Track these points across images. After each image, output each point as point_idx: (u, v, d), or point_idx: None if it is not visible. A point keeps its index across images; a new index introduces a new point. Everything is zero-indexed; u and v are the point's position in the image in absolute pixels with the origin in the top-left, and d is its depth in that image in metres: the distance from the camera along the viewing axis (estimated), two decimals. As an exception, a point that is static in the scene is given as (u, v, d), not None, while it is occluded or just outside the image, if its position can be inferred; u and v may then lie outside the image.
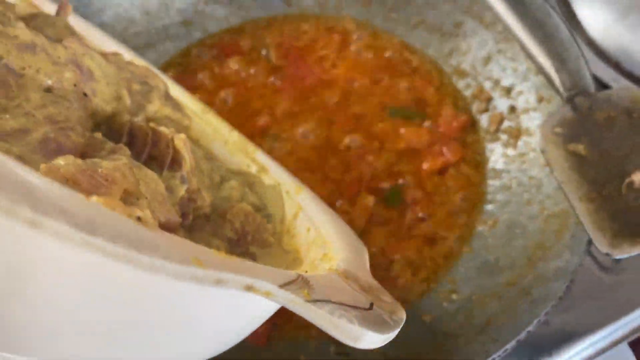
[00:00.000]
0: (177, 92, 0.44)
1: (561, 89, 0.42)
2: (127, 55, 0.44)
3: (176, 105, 0.37)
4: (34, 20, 0.33)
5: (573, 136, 0.41)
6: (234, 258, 0.21)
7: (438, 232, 0.45)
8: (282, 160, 0.48)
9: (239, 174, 0.39)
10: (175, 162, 0.30)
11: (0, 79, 0.26)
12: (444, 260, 0.44)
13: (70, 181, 0.22)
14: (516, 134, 0.47)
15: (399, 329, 0.25)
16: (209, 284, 0.18)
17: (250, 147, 0.43)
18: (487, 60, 0.50)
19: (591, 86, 0.43)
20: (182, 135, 0.30)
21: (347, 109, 0.50)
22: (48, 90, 0.28)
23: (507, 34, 0.48)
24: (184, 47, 0.55)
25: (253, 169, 0.41)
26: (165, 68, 0.54)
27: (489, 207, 0.46)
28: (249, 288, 0.20)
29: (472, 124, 0.49)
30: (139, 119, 0.33)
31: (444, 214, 0.46)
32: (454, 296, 0.42)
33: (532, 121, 0.47)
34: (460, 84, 0.51)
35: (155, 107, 0.35)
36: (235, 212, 0.33)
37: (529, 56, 0.44)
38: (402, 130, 0.49)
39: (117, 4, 0.53)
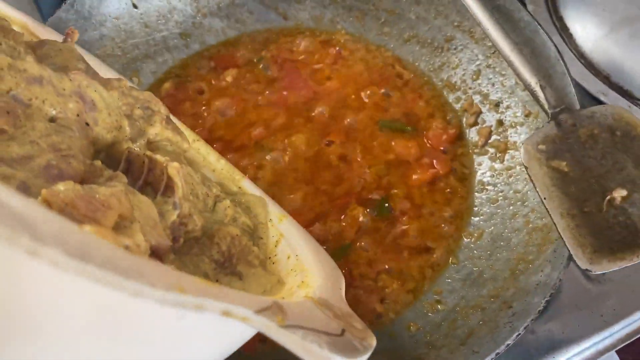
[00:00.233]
0: (173, 119, 0.46)
1: (546, 106, 0.43)
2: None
3: (176, 129, 0.38)
4: (41, 47, 0.35)
5: (556, 153, 0.42)
6: (215, 285, 0.22)
7: (425, 243, 0.46)
8: (274, 171, 0.49)
9: (232, 194, 0.41)
10: (169, 189, 0.32)
11: (9, 109, 0.28)
12: (431, 271, 0.45)
13: (69, 205, 0.24)
14: (503, 147, 0.48)
15: (368, 355, 0.26)
16: (190, 309, 0.20)
17: (237, 175, 0.44)
18: (477, 74, 0.51)
19: (576, 103, 0.44)
20: (176, 164, 0.32)
21: (339, 122, 0.52)
22: (52, 120, 0.30)
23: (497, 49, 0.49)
24: (182, 58, 0.57)
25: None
26: (163, 79, 0.55)
27: (475, 219, 0.47)
28: (227, 313, 0.21)
29: (460, 137, 0.50)
30: (137, 145, 0.35)
31: (432, 226, 0.47)
32: (439, 306, 0.43)
33: (519, 136, 0.48)
34: (451, 97, 0.52)
35: (157, 129, 0.37)
36: (222, 235, 0.34)
37: (515, 72, 0.45)
38: (392, 143, 0.50)
39: (116, 16, 0.55)
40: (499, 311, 0.40)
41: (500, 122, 0.49)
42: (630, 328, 0.48)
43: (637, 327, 0.48)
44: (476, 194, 0.48)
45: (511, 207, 0.46)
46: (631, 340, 0.47)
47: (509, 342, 0.36)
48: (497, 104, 0.50)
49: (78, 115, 0.31)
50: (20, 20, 0.42)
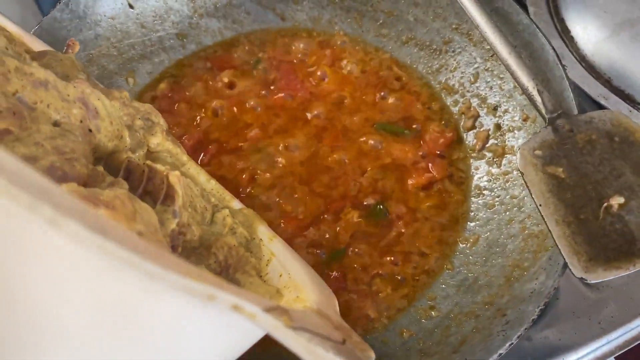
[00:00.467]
0: None
1: (543, 111, 0.43)
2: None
3: (175, 141, 0.39)
4: (42, 57, 0.35)
5: (553, 158, 0.41)
6: (226, 280, 0.22)
7: (420, 249, 0.46)
8: (270, 174, 0.49)
9: (229, 207, 0.41)
10: (169, 197, 0.32)
11: (16, 111, 0.28)
12: (425, 276, 0.45)
13: None
14: (501, 152, 0.48)
15: None
16: (201, 298, 0.20)
17: (227, 195, 0.44)
18: (475, 77, 0.51)
19: (574, 108, 0.43)
20: (177, 172, 0.33)
21: (335, 124, 0.51)
22: (56, 124, 0.31)
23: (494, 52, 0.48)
24: (179, 59, 0.56)
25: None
26: (159, 79, 0.55)
27: (471, 224, 0.46)
28: (237, 307, 0.21)
29: (458, 141, 0.50)
30: (137, 156, 0.35)
31: (427, 231, 0.46)
32: (433, 313, 0.43)
33: (517, 140, 0.47)
34: (448, 100, 0.52)
35: (158, 139, 0.37)
36: (219, 245, 0.34)
37: (512, 76, 0.44)
38: (389, 146, 0.50)
39: (112, 16, 0.54)
40: (493, 319, 0.39)
41: (498, 126, 0.49)
42: (629, 335, 0.47)
43: (636, 335, 0.47)
44: (472, 198, 0.47)
45: (507, 213, 0.45)
46: (629, 347, 0.47)
47: (501, 351, 0.36)
48: (495, 108, 0.49)
49: (81, 121, 0.32)
50: (17, 33, 0.43)
